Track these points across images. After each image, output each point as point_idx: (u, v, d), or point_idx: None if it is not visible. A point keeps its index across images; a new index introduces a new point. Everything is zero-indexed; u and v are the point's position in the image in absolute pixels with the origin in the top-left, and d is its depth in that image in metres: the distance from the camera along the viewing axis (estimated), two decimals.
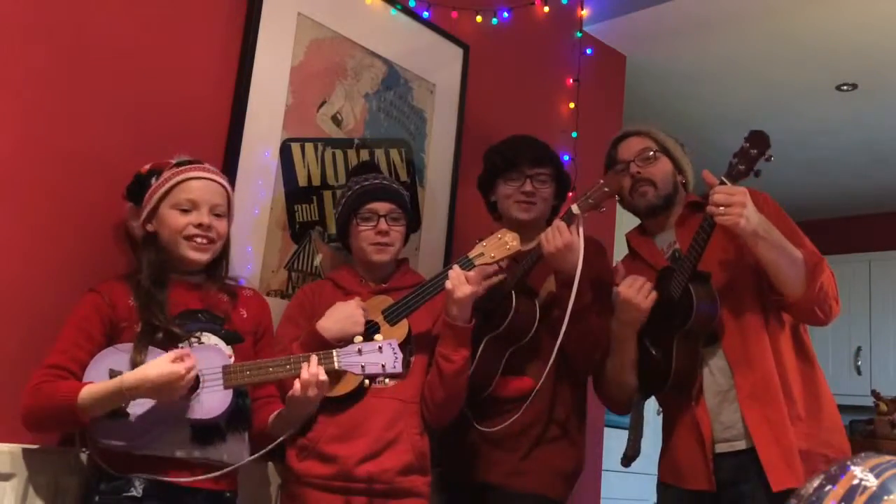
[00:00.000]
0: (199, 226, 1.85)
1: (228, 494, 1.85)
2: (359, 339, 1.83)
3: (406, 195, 2.26)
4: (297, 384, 1.76)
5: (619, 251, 2.72)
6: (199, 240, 1.86)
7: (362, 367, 1.79)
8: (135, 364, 1.71)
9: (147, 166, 1.94)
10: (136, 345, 1.75)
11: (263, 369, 1.78)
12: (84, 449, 1.80)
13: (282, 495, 2.09)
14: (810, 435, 1.99)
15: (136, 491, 1.69)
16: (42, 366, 1.72)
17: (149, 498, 1.70)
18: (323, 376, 1.77)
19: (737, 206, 1.88)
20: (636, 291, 2.06)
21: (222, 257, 1.96)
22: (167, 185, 1.88)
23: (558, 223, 2.10)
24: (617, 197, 2.29)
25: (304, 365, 1.77)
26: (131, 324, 1.79)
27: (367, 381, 1.99)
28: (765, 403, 1.99)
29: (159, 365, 1.65)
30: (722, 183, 1.94)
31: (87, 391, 1.65)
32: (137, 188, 1.94)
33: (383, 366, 1.79)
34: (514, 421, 2.14)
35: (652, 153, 2.23)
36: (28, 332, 1.87)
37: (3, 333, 1.87)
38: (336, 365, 1.78)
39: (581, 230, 2.10)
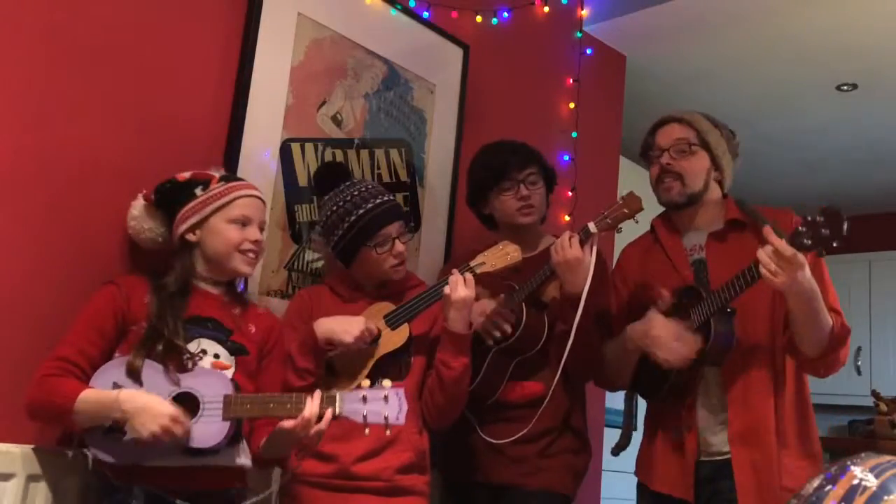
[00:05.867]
0: (255, 241, 1.92)
1: (233, 491, 1.83)
2: (366, 382, 1.76)
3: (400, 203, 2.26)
4: (290, 420, 1.70)
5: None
6: (251, 255, 1.93)
7: (364, 416, 1.71)
8: (131, 368, 1.71)
9: (186, 174, 1.94)
10: (135, 348, 1.74)
11: (264, 405, 1.75)
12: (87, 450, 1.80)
13: (281, 495, 2.09)
14: (797, 480, 1.94)
15: (138, 502, 1.69)
16: (51, 357, 1.73)
17: None
18: (324, 426, 1.70)
19: (787, 274, 1.77)
20: (665, 346, 1.97)
21: None
22: (224, 199, 1.91)
23: (571, 235, 2.08)
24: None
25: (309, 402, 1.70)
26: (140, 322, 1.79)
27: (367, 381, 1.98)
28: (754, 446, 1.97)
29: (162, 400, 1.66)
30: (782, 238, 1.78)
31: (85, 396, 1.66)
32: (171, 194, 1.93)
33: (386, 417, 1.70)
34: (526, 423, 2.16)
35: (689, 146, 2.13)
36: (29, 333, 1.87)
37: (5, 335, 1.86)
38: (337, 410, 1.72)
39: (594, 250, 2.09)
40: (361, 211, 2.10)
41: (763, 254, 1.79)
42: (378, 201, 2.13)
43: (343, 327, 1.99)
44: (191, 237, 1.91)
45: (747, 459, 1.97)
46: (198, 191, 1.92)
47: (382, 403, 1.71)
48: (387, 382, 1.76)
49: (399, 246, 2.12)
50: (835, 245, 1.74)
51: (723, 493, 1.98)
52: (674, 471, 2.05)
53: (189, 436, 1.67)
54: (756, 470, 1.96)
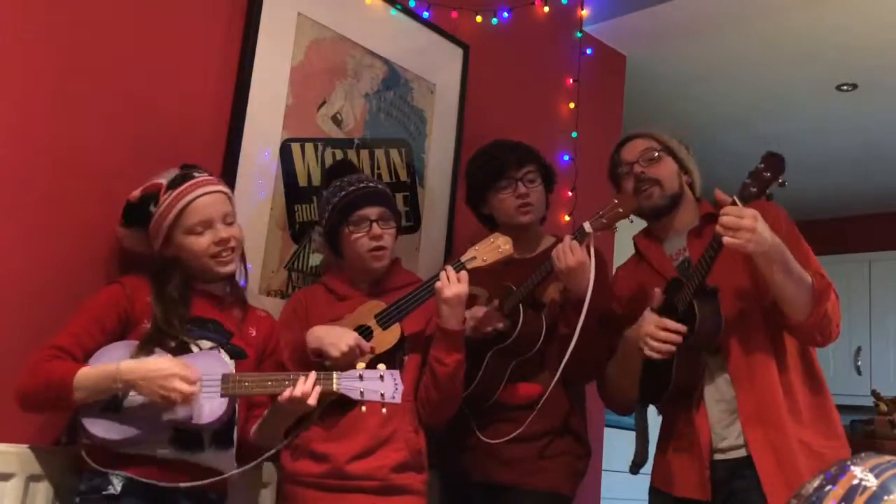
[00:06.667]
0: (219, 241, 1.86)
1: (214, 496, 1.84)
2: (361, 364, 1.81)
3: (392, 195, 2.26)
4: (286, 394, 1.74)
5: (620, 258, 2.71)
6: (224, 254, 1.88)
7: (361, 392, 1.76)
8: None
9: (136, 193, 1.90)
10: (140, 346, 1.75)
11: (262, 382, 1.78)
12: (64, 441, 1.82)
13: (277, 496, 2.09)
14: (820, 460, 1.94)
15: (114, 488, 1.69)
16: (47, 345, 1.73)
17: (127, 495, 1.70)
18: (312, 401, 1.74)
19: (745, 231, 1.82)
20: (648, 335, 1.98)
21: (239, 260, 1.99)
22: (174, 213, 1.85)
23: (570, 242, 2.09)
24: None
25: (301, 380, 1.75)
26: (143, 321, 1.80)
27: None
28: (769, 425, 1.97)
29: (161, 359, 1.68)
30: (733, 203, 1.87)
31: (83, 372, 1.67)
32: (133, 214, 1.92)
33: (382, 395, 1.76)
34: (526, 423, 2.16)
35: (656, 154, 2.19)
36: (26, 332, 1.87)
37: (2, 334, 1.87)
38: (334, 387, 1.77)
39: (592, 249, 2.09)
40: (343, 193, 2.14)
41: (719, 220, 1.86)
42: (361, 185, 2.16)
43: (331, 340, 1.96)
44: (168, 255, 1.90)
45: (765, 441, 1.96)
46: (151, 208, 1.88)
47: (378, 382, 1.78)
48: (381, 366, 1.82)
49: (376, 229, 2.11)
50: (780, 182, 1.84)
51: (737, 493, 1.97)
52: (692, 474, 2.03)
53: (199, 391, 1.67)
54: (776, 450, 1.94)
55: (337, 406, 2.01)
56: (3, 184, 1.90)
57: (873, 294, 5.24)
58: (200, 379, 1.68)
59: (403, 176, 2.70)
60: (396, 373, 1.80)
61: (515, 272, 2.24)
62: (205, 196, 1.87)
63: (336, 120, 2.54)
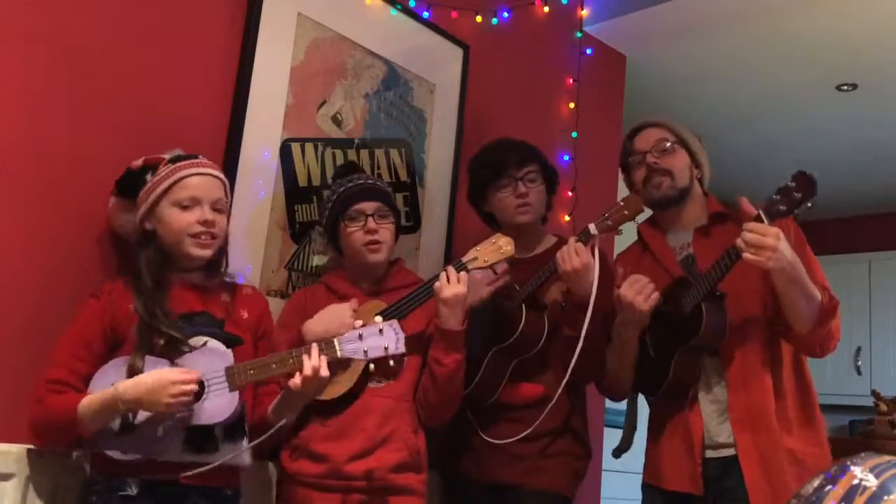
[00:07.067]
0: (204, 222, 1.84)
1: (229, 492, 1.84)
2: (359, 323, 1.81)
3: (392, 193, 2.26)
4: (297, 377, 1.73)
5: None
6: (203, 237, 1.85)
7: (365, 352, 1.74)
8: (132, 370, 1.71)
9: (139, 161, 1.90)
10: (134, 351, 1.74)
11: (266, 366, 1.76)
12: (77, 451, 1.81)
13: (277, 496, 2.09)
14: (802, 467, 1.97)
15: (131, 490, 1.70)
16: (43, 379, 1.73)
17: (143, 496, 1.70)
18: (324, 371, 1.74)
19: (767, 250, 1.81)
20: (636, 293, 2.01)
21: (221, 253, 1.96)
22: (167, 183, 1.85)
23: (575, 244, 2.09)
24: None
25: (306, 358, 1.74)
26: (131, 327, 1.78)
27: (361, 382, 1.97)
28: (757, 430, 1.98)
29: (154, 371, 1.67)
30: (758, 218, 1.85)
31: (85, 403, 1.67)
32: (129, 183, 1.91)
33: (386, 348, 1.74)
34: (526, 424, 2.15)
35: (669, 144, 2.19)
36: (28, 332, 1.87)
37: (3, 334, 1.86)
38: (338, 353, 1.75)
39: (597, 251, 2.09)
40: (342, 189, 2.16)
41: (742, 234, 1.85)
42: (360, 182, 2.18)
43: (337, 323, 1.97)
44: (147, 226, 1.87)
45: (752, 444, 1.98)
46: (147, 177, 1.88)
47: (379, 337, 1.75)
48: (378, 318, 1.81)
49: (372, 223, 2.12)
50: (809, 205, 1.81)
51: (727, 491, 1.99)
52: (685, 468, 2.05)
53: (201, 385, 1.67)
54: (761, 454, 1.96)
55: (336, 405, 2.01)
56: (3, 184, 1.90)
57: (873, 294, 5.23)
58: (198, 375, 1.68)
59: (403, 176, 2.70)
60: (395, 322, 1.78)
61: (516, 271, 2.24)
62: (202, 176, 1.88)
63: (336, 120, 2.54)
